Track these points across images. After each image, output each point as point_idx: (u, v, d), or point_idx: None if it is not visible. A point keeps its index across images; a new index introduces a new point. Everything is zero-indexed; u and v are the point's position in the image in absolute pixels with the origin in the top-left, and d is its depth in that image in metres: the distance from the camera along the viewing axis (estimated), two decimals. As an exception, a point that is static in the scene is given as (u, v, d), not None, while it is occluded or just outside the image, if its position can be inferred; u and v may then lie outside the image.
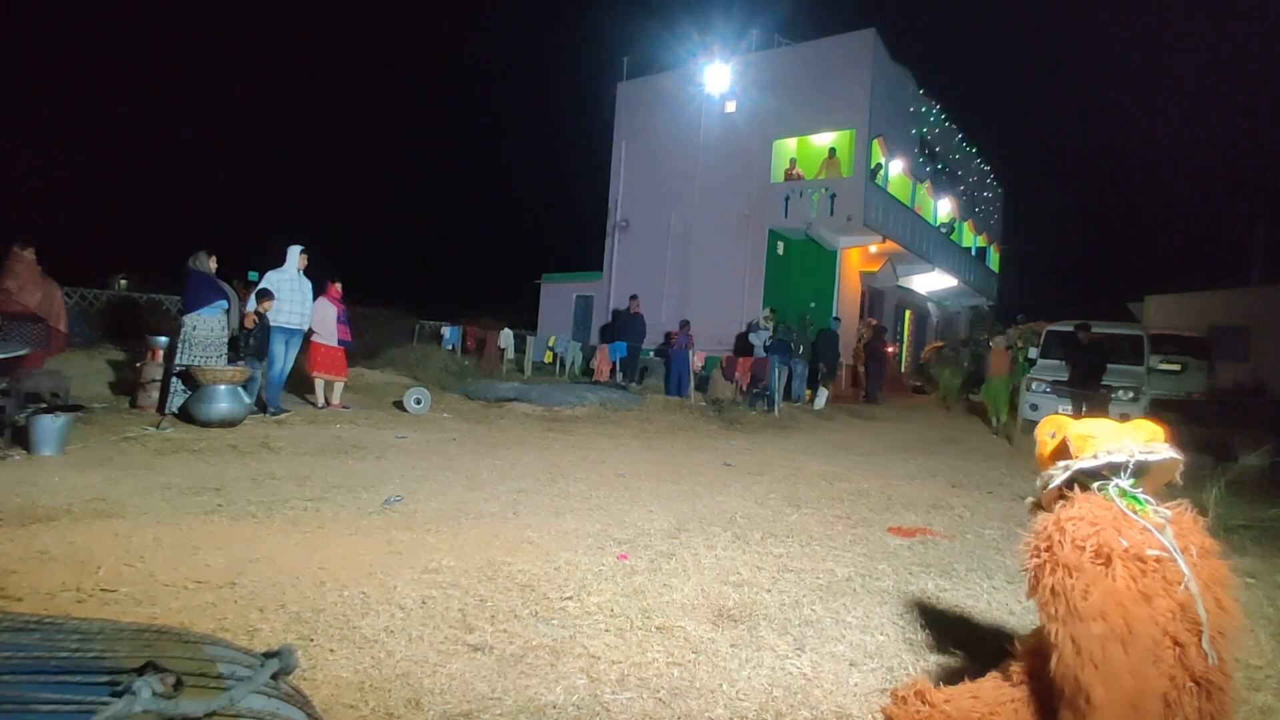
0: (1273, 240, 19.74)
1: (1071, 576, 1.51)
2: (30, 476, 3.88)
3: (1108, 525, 1.52)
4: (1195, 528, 1.56)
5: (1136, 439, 1.63)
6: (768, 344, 11.69)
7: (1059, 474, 1.66)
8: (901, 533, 4.05)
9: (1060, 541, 1.55)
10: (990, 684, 1.80)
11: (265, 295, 6.75)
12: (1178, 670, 1.40)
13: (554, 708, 1.88)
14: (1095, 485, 1.63)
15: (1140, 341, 10.68)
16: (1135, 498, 1.58)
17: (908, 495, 5.19)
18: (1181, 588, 1.44)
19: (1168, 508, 1.58)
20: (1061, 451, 1.72)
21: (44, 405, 4.67)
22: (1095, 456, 1.62)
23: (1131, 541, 1.49)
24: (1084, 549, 1.50)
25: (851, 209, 14.51)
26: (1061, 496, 1.68)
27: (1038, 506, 1.77)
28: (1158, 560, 1.46)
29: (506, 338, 14.27)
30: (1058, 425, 1.82)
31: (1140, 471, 1.62)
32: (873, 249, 16.43)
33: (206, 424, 5.68)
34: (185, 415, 5.84)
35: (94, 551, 2.73)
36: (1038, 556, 1.61)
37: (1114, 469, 1.61)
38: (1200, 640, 1.42)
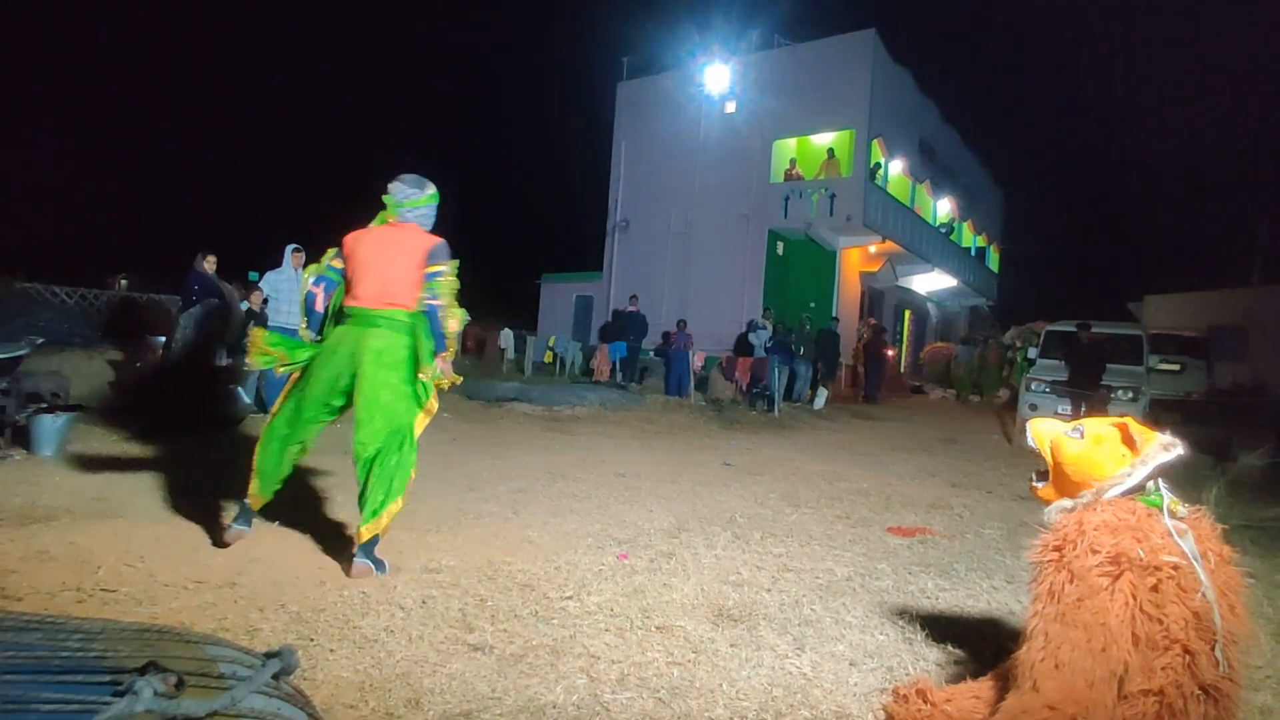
0: (1272, 240, 19.74)
1: (1072, 583, 1.51)
2: (30, 476, 3.88)
3: (1128, 532, 1.49)
4: (1213, 533, 1.55)
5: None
6: (768, 344, 11.70)
7: (1139, 470, 1.59)
8: (901, 532, 4.06)
9: (1074, 544, 1.54)
10: (991, 684, 1.81)
11: (253, 289, 6.80)
12: (1185, 679, 1.39)
13: (554, 707, 1.88)
14: (1150, 484, 1.59)
15: (1139, 341, 10.67)
16: (1174, 497, 1.56)
17: (907, 495, 5.19)
18: (1199, 595, 1.42)
19: (1187, 510, 1.56)
20: (1126, 446, 1.64)
21: (44, 405, 4.67)
22: (1165, 449, 1.57)
23: (1149, 550, 1.47)
24: (1099, 553, 1.49)
25: (851, 209, 14.52)
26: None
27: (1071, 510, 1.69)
28: (1174, 567, 1.45)
29: (506, 338, 14.28)
30: (1073, 424, 1.78)
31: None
32: (872, 249, 16.44)
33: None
34: (184, 415, 5.83)
35: (94, 551, 2.72)
36: (1047, 554, 1.61)
37: (1165, 467, 1.58)
38: (1213, 648, 1.41)
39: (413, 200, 2.99)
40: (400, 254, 2.89)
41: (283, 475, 2.94)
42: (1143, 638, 1.42)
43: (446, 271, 2.93)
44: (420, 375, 2.88)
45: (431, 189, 3.03)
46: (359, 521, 2.78)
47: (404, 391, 2.84)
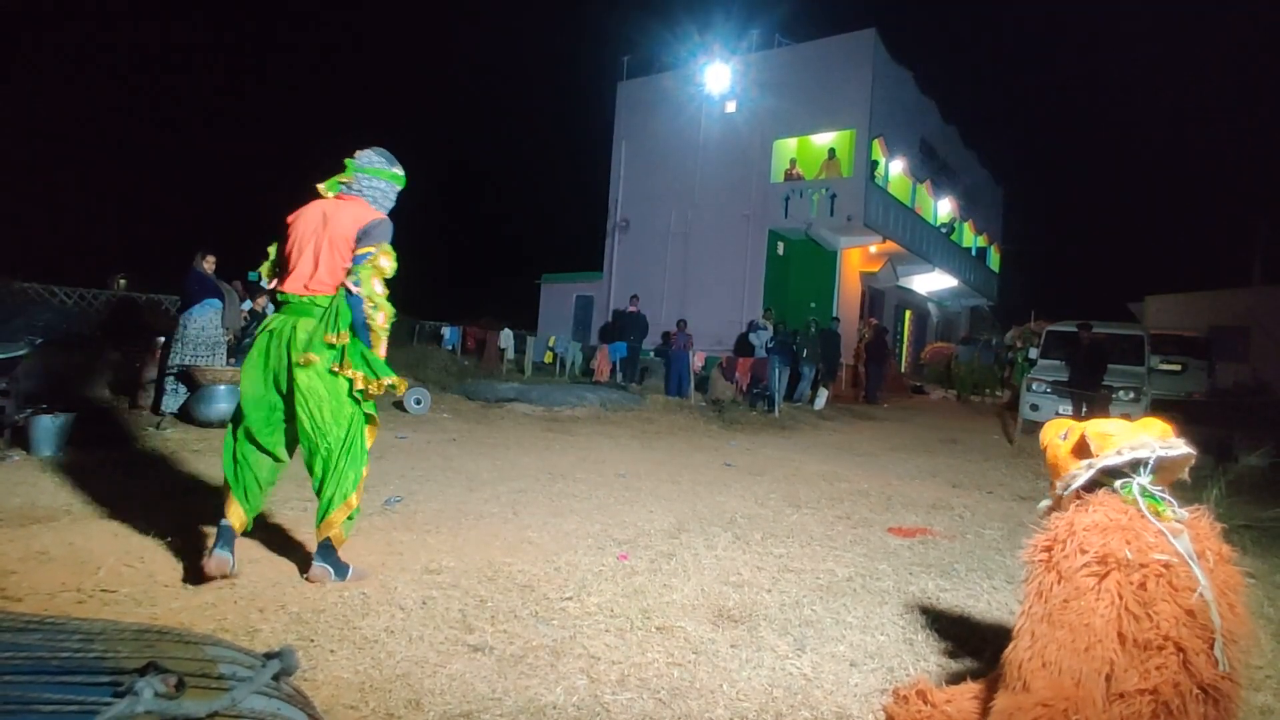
0: (1273, 240, 19.76)
1: (1059, 584, 1.52)
2: (29, 477, 3.88)
3: (1118, 533, 1.49)
4: (1212, 533, 1.54)
5: (1153, 435, 1.61)
6: (769, 344, 11.69)
7: (1083, 473, 1.63)
8: (902, 533, 4.05)
9: (1064, 544, 1.55)
10: (991, 685, 1.80)
11: (258, 291, 6.78)
12: (1182, 678, 1.39)
13: (554, 708, 1.88)
14: (1118, 484, 1.60)
15: (1141, 342, 10.67)
16: (1155, 498, 1.55)
17: (908, 495, 5.19)
18: (1196, 594, 1.41)
19: (1186, 510, 1.56)
20: (1079, 451, 1.68)
21: (43, 405, 4.67)
22: (1119, 453, 1.59)
23: (1139, 550, 1.47)
24: (1087, 554, 1.49)
25: (851, 209, 14.52)
26: (1078, 498, 1.65)
27: (1053, 509, 1.75)
28: (1166, 565, 1.44)
29: (506, 338, 14.27)
30: (1066, 427, 1.80)
31: (1155, 468, 1.60)
32: (873, 249, 16.44)
33: (206, 424, 5.67)
34: (184, 415, 5.84)
35: (93, 552, 2.73)
36: (1037, 555, 1.61)
37: (1135, 466, 1.59)
38: (1211, 647, 1.40)
39: (374, 168, 2.69)
40: (334, 231, 2.55)
41: (256, 489, 2.60)
42: (1129, 637, 1.42)
43: (376, 254, 2.54)
44: (335, 367, 2.49)
45: (399, 170, 2.78)
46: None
47: (338, 384, 2.51)
